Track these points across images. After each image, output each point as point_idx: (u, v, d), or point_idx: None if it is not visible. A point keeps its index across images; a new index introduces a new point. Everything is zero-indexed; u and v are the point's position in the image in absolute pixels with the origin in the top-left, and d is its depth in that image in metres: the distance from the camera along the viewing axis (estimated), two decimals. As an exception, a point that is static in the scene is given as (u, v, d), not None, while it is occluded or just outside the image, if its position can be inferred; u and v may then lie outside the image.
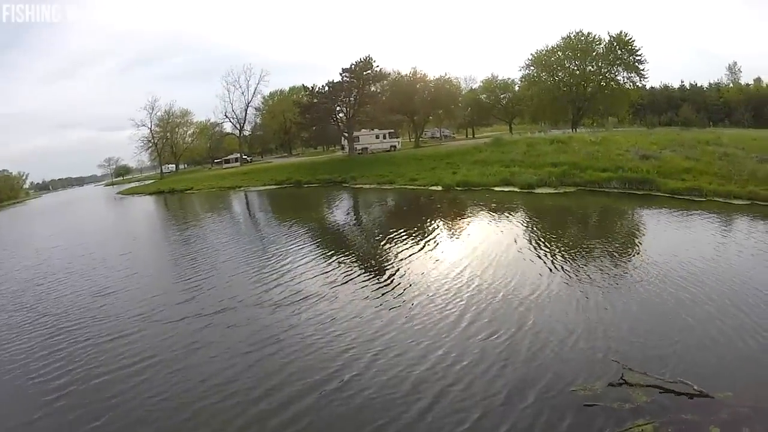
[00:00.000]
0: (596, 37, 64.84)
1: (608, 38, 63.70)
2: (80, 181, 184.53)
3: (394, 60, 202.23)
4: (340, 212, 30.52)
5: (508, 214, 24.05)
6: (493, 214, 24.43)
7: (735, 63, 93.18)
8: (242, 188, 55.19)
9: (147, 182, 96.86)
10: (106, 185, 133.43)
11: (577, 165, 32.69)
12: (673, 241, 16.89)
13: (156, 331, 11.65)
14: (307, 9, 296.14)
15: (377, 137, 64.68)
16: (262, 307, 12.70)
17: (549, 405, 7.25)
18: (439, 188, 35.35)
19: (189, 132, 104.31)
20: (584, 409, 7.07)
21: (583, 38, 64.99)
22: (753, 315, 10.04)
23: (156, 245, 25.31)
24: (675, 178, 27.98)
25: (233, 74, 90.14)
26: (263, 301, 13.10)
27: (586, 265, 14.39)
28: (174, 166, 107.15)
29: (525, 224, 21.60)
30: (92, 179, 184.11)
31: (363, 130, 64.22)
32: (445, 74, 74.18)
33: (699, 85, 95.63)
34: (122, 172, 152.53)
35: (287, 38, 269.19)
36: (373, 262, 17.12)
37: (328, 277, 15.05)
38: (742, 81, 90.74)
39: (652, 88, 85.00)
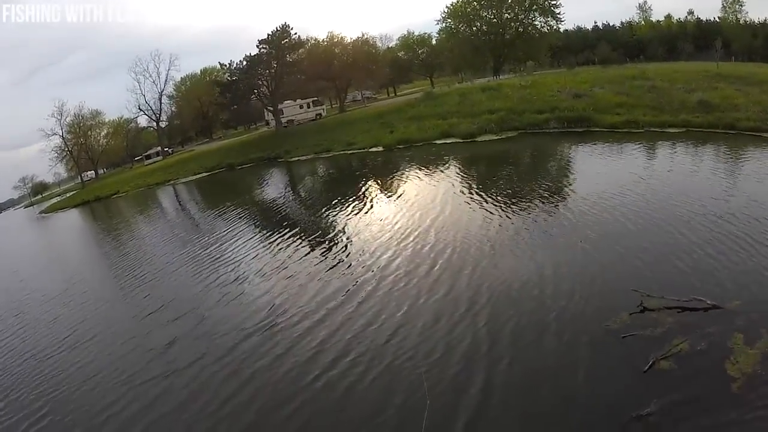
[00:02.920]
0: (511, -17, 64.85)
1: (523, -16, 63.94)
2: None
3: (307, 26, 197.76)
4: (284, 190, 28.83)
5: (460, 166, 23.78)
6: (445, 167, 23.89)
7: (645, 2, 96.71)
8: (172, 182, 51.64)
9: (69, 195, 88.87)
10: (26, 206, 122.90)
11: (514, 110, 32.62)
12: (632, 171, 17.15)
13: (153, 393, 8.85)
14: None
15: (301, 107, 62.74)
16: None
17: (593, 344, 7.19)
18: (380, 149, 34.33)
19: (103, 133, 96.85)
20: (625, 341, 7.12)
21: (497, -15, 64.87)
22: (731, 227, 10.63)
23: (104, 267, 21.16)
24: (611, 113, 28.57)
25: (141, 63, 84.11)
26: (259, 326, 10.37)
27: (560, 205, 14.13)
28: (93, 172, 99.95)
29: (480, 173, 21.45)
30: (10, 203, 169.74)
31: (286, 101, 61.83)
32: (363, 35, 72.73)
33: (612, 24, 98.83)
34: (40, 189, 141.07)
35: (190, 15, 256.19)
36: (351, 234, 15.61)
37: (305, 260, 13.82)
38: (653, 18, 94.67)
39: (566, 30, 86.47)
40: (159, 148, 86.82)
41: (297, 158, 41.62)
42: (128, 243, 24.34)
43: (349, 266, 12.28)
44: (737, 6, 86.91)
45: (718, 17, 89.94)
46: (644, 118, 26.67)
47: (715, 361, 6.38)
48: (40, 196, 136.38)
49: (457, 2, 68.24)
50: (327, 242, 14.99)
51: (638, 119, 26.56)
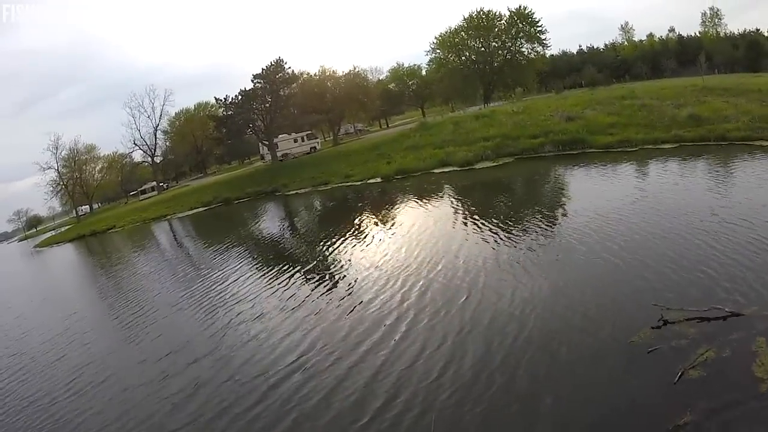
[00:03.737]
0: (497, 13, 66.70)
1: (508, 13, 65.63)
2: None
3: (300, 61, 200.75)
4: (288, 224, 28.61)
5: (465, 194, 23.95)
6: (450, 195, 24.10)
7: (627, 23, 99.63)
8: (169, 216, 51.70)
9: (63, 229, 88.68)
10: (20, 240, 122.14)
11: (508, 136, 33.17)
12: (637, 187, 17.61)
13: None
14: (202, 18, 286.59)
15: (296, 141, 63.22)
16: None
17: (622, 361, 7.25)
18: (379, 180, 34.57)
19: (97, 168, 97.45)
20: (651, 355, 7.19)
21: (484, 16, 66.47)
22: (743, 233, 10.88)
23: (106, 305, 19.47)
24: (604, 134, 29.08)
25: (136, 98, 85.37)
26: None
27: (575, 224, 14.22)
28: (88, 207, 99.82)
29: (488, 200, 21.31)
30: (4, 237, 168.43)
31: (281, 135, 62.43)
32: (354, 68, 73.96)
33: (596, 47, 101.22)
34: (34, 223, 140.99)
35: (181, 52, 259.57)
36: (363, 265, 15.15)
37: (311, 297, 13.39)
38: (636, 38, 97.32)
39: (552, 55, 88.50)
40: (154, 183, 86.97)
41: (295, 191, 41.76)
42: (130, 279, 23.44)
43: (380, 299, 11.67)
44: (716, 19, 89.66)
45: (699, 32, 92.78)
46: (637, 136, 27.16)
47: (742, 365, 6.56)
48: (35, 229, 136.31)
49: (446, 33, 69.95)
50: (349, 276, 14.28)
51: (631, 138, 27.06)
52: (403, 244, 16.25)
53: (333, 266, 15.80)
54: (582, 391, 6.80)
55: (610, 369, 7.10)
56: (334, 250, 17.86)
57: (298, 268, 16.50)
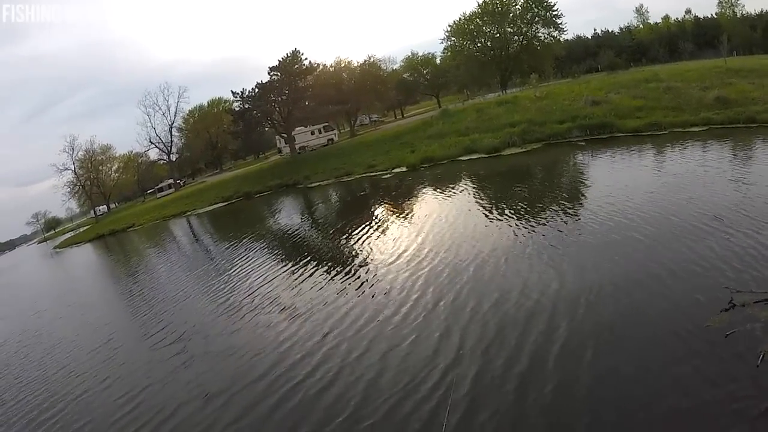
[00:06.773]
0: (511, -2, 65.70)
1: (523, -1, 64.75)
2: (11, 245, 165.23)
3: (313, 52, 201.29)
4: (317, 217, 27.33)
5: (503, 182, 23.28)
6: (488, 184, 23.60)
7: (642, 5, 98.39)
8: (189, 213, 51.60)
9: (82, 229, 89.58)
10: (39, 242, 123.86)
11: (534, 121, 32.75)
12: (675, 171, 17.24)
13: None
14: (212, 14, 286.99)
15: (312, 133, 63.23)
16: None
17: (702, 346, 7.07)
18: (404, 169, 33.97)
19: (114, 167, 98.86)
20: (729, 339, 7.05)
21: (498, 1, 65.60)
22: None
23: (150, 315, 15.76)
24: (631, 117, 28.83)
25: (151, 96, 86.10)
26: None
27: (623, 209, 13.79)
28: (105, 206, 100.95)
29: (530, 187, 20.29)
30: (23, 239, 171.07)
31: (297, 128, 62.26)
32: (370, 57, 73.54)
33: (611, 31, 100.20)
34: (53, 224, 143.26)
35: (192, 49, 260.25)
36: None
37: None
38: (651, 21, 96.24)
39: (567, 40, 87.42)
40: (171, 181, 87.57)
41: (317, 183, 41.27)
42: (165, 283, 20.39)
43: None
44: (733, 0, 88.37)
45: (715, 13, 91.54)
46: (665, 119, 26.92)
47: (816, 344, 6.55)
48: (53, 231, 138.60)
49: (460, 20, 69.07)
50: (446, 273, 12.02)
51: (660, 121, 26.82)
52: (469, 237, 14.58)
53: (415, 264, 13.30)
54: (670, 376, 6.65)
55: (693, 353, 6.94)
56: (401, 246, 15.40)
57: (368, 263, 14.54)
